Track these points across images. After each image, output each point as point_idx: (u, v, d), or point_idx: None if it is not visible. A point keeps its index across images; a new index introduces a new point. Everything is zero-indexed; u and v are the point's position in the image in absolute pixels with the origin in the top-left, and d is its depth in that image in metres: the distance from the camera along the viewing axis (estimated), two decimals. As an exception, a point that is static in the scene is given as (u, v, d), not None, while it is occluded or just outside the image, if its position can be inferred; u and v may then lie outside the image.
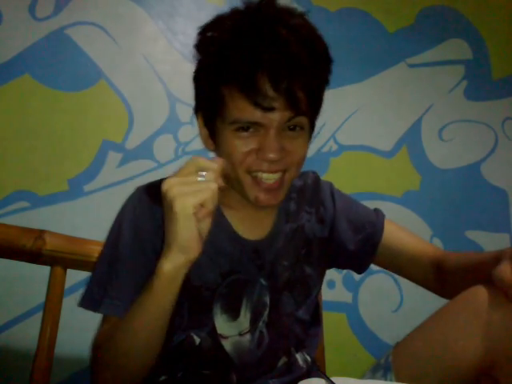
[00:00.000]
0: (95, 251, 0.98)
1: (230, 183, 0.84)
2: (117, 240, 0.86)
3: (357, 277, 1.76)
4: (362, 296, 1.76)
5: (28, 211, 1.53)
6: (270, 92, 0.75)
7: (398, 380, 0.80)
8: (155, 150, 1.65)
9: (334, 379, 0.74)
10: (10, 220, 1.50)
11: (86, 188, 1.59)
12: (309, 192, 0.99)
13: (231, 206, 0.90)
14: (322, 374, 0.77)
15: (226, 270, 0.87)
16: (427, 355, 0.81)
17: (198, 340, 0.86)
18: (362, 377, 0.90)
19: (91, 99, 1.62)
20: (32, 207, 1.54)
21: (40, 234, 0.97)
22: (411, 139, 1.88)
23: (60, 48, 1.61)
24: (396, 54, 1.89)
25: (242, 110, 0.77)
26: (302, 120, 0.81)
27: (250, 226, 0.91)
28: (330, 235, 0.98)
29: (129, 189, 1.67)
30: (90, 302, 0.85)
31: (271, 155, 0.78)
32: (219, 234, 0.87)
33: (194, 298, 0.86)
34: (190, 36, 1.72)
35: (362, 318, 1.76)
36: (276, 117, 0.77)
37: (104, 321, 0.84)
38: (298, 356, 0.92)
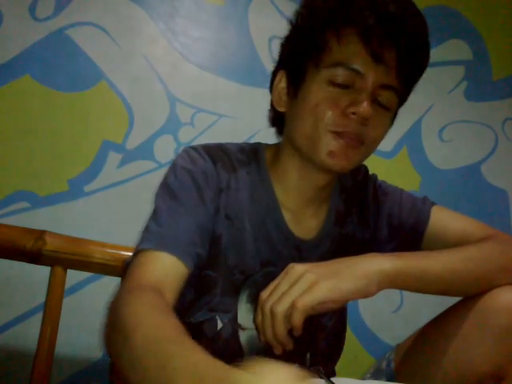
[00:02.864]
0: (95, 251, 0.98)
1: (300, 144, 0.82)
2: (173, 189, 0.80)
3: (357, 277, 1.75)
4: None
5: (28, 211, 1.53)
6: (386, 40, 0.74)
7: None
8: (155, 151, 1.65)
9: (333, 379, 0.73)
10: (10, 220, 1.50)
11: (87, 188, 1.59)
12: (357, 192, 0.95)
13: (288, 198, 0.87)
14: (322, 374, 0.76)
15: (265, 259, 0.85)
16: (434, 363, 0.80)
17: (220, 325, 0.83)
18: (361, 378, 0.90)
19: (91, 100, 1.62)
20: (32, 207, 1.54)
21: (40, 234, 0.97)
22: (411, 140, 1.88)
23: (60, 48, 1.61)
24: (396, 55, 1.88)
25: (348, 53, 0.75)
26: (393, 96, 0.78)
27: (301, 223, 0.87)
28: (372, 237, 0.94)
29: (129, 189, 1.69)
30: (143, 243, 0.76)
31: (362, 109, 0.74)
32: (269, 221, 0.85)
33: (226, 278, 0.83)
34: (191, 37, 1.73)
35: (362, 319, 1.76)
36: (379, 72, 0.75)
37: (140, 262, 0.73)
38: (314, 369, 0.87)
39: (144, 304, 0.62)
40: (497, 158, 1.93)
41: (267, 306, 0.69)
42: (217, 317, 0.83)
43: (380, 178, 0.99)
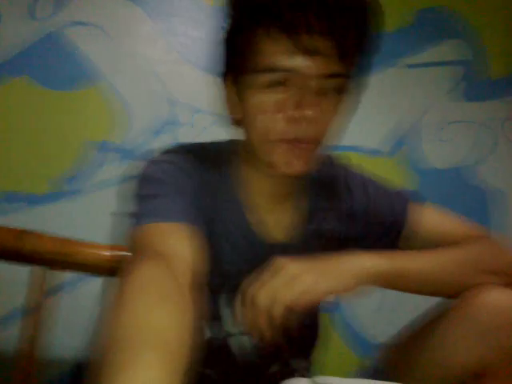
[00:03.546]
0: (77, 251, 0.97)
1: (257, 153, 0.78)
2: (153, 177, 0.76)
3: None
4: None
5: (24, 211, 1.54)
6: (316, 30, 0.67)
7: None
8: (154, 151, 1.65)
9: (316, 379, 0.73)
10: (8, 220, 1.51)
11: (85, 188, 1.59)
12: (325, 183, 0.90)
13: (254, 197, 0.83)
14: (306, 373, 0.76)
15: (241, 267, 0.82)
16: (422, 362, 0.80)
17: (208, 334, 0.82)
18: (348, 377, 0.89)
19: (90, 99, 1.63)
20: (29, 206, 1.54)
21: (20, 233, 0.95)
22: (410, 140, 1.87)
23: (59, 48, 1.62)
24: (395, 55, 1.88)
25: (279, 53, 0.69)
26: (344, 80, 0.72)
27: (268, 225, 0.84)
28: (348, 231, 0.89)
29: (127, 190, 1.68)
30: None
31: (309, 112, 0.69)
32: (235, 228, 0.82)
33: (208, 284, 0.80)
34: (190, 37, 1.73)
35: (345, 318, 1.75)
36: (318, 64, 0.68)
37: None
38: (293, 363, 0.88)
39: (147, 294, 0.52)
40: (495, 158, 1.91)
41: (248, 296, 0.69)
42: (204, 325, 0.82)
43: (379, 177, 0.96)
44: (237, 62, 0.76)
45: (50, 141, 1.58)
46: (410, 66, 1.88)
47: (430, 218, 0.88)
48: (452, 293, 0.79)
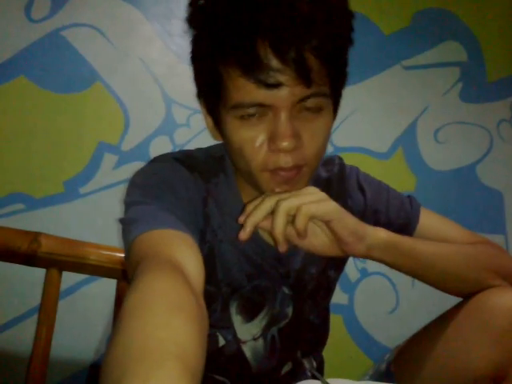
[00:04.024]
0: (91, 253, 0.98)
1: (245, 177, 0.77)
2: (145, 187, 0.73)
3: (353, 278, 1.76)
4: (358, 297, 1.76)
5: (24, 213, 1.53)
6: (274, 63, 0.62)
7: None
8: (151, 152, 1.65)
9: (329, 380, 0.73)
10: (5, 222, 1.49)
11: (82, 190, 1.58)
12: (335, 184, 0.89)
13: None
14: (318, 374, 0.76)
15: (249, 273, 0.82)
16: (433, 365, 0.80)
17: (222, 342, 0.82)
18: (360, 380, 0.90)
19: (87, 101, 1.62)
20: (28, 209, 1.53)
21: (35, 236, 0.96)
22: (407, 141, 1.89)
23: (56, 49, 1.61)
24: (392, 56, 1.90)
25: (242, 90, 0.65)
26: (319, 100, 0.67)
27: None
28: None
29: (125, 191, 1.68)
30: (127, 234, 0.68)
31: (284, 144, 0.65)
32: None
33: (220, 293, 0.81)
34: (186, 38, 1.72)
35: (358, 320, 1.76)
36: (285, 94, 0.64)
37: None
38: (305, 362, 0.89)
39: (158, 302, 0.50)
40: (492, 159, 1.93)
41: (273, 199, 0.71)
42: (218, 333, 0.82)
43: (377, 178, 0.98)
44: (206, 92, 0.74)
45: (47, 142, 1.57)
46: (407, 68, 1.90)
47: (436, 223, 0.90)
48: (456, 286, 0.80)
